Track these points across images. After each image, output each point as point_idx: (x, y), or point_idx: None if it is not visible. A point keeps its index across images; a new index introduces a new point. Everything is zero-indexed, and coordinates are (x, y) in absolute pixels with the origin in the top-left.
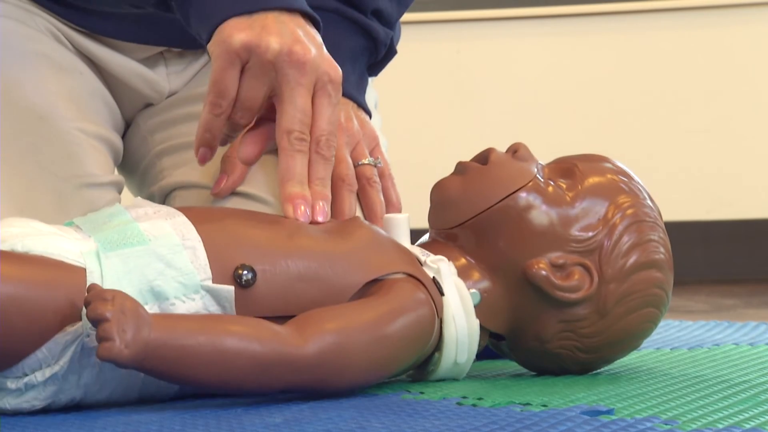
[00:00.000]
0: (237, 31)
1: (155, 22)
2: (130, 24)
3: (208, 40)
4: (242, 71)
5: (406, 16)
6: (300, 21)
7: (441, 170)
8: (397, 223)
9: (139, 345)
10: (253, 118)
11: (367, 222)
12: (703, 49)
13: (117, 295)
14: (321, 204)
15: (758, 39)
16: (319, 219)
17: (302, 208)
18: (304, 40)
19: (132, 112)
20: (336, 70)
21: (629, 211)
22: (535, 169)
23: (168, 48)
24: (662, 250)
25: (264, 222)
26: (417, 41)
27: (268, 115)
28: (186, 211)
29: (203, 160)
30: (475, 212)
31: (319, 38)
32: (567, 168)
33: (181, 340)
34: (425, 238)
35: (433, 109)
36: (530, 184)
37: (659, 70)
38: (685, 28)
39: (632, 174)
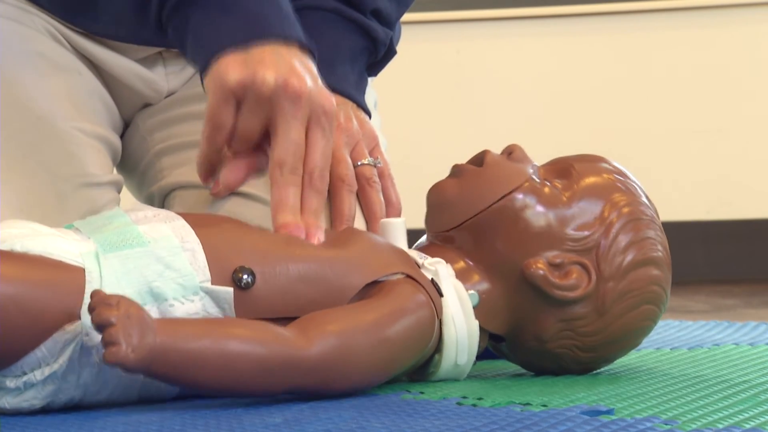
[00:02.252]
0: (232, 68)
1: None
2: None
3: (203, 72)
4: (239, 104)
5: (406, 16)
6: (296, 52)
7: (440, 170)
8: (394, 227)
9: (145, 349)
10: (250, 147)
11: (362, 230)
12: (703, 50)
13: (122, 300)
14: (315, 232)
15: (758, 39)
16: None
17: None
18: (300, 72)
19: (131, 112)
20: (330, 102)
21: (625, 210)
22: (531, 170)
23: (166, 48)
24: (659, 247)
25: (262, 229)
26: (417, 41)
27: (259, 143)
28: (185, 215)
29: (206, 182)
30: (472, 214)
31: (314, 69)
32: (563, 168)
33: (185, 344)
34: (422, 241)
35: (433, 110)
36: (526, 184)
37: (659, 70)
38: (684, 28)
39: (628, 173)
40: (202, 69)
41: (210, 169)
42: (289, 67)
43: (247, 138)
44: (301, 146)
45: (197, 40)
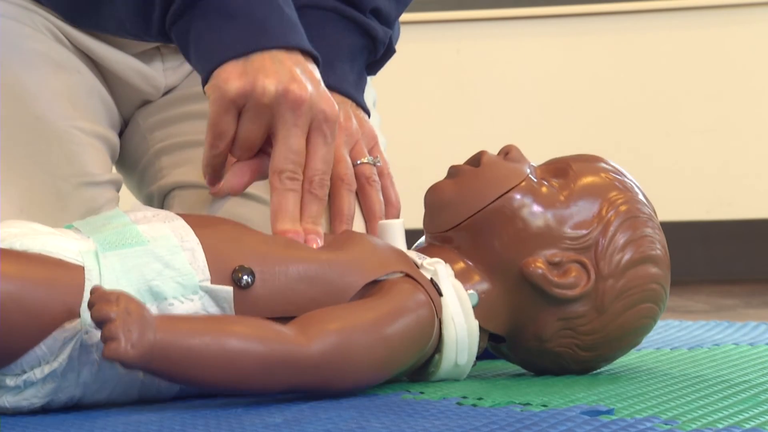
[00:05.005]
0: (233, 78)
1: None
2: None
3: (206, 82)
4: (240, 112)
5: (407, 16)
6: (298, 58)
7: (440, 170)
8: (392, 228)
9: (145, 345)
10: (253, 154)
11: (360, 232)
12: (702, 50)
13: (122, 296)
14: (313, 238)
15: (758, 39)
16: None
17: None
18: (301, 79)
19: (130, 110)
20: (332, 108)
21: (623, 208)
22: (528, 170)
23: (164, 44)
24: (658, 245)
25: (261, 231)
26: (417, 41)
27: (262, 147)
28: (184, 216)
29: (212, 185)
30: (469, 214)
31: (317, 74)
32: (560, 168)
33: (185, 340)
34: (421, 242)
35: (433, 109)
36: (523, 183)
37: (659, 70)
38: (684, 28)
39: (625, 172)
40: (204, 80)
41: (214, 174)
42: (289, 75)
43: (249, 145)
44: (301, 154)
45: (199, 49)
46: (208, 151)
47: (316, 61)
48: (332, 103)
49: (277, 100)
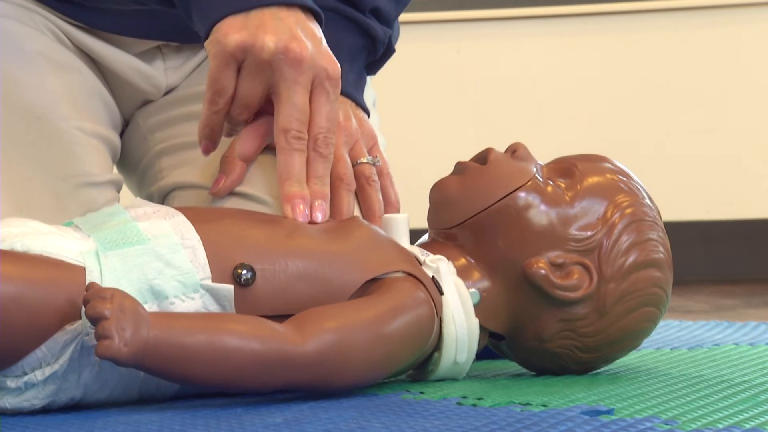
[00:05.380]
0: (233, 31)
1: (153, 15)
2: (128, 18)
3: (206, 38)
4: (240, 69)
5: (407, 16)
6: (299, 16)
7: (440, 170)
8: (397, 223)
9: (138, 343)
10: (251, 114)
11: (366, 222)
12: (702, 50)
13: (116, 293)
14: (320, 203)
15: (758, 39)
16: (318, 217)
17: (301, 207)
18: (300, 37)
19: (131, 110)
20: (334, 66)
21: (628, 210)
22: (534, 169)
23: (166, 42)
24: (661, 249)
25: (263, 222)
26: (417, 41)
27: (266, 110)
28: (185, 210)
29: (206, 152)
30: (474, 212)
31: (319, 32)
32: (566, 168)
33: (180, 338)
34: (425, 238)
35: (433, 109)
36: (529, 183)
37: (659, 70)
38: (684, 28)
39: (631, 174)
40: (205, 36)
41: (210, 134)
42: (289, 32)
43: (248, 103)
44: (305, 112)
45: (200, 7)
46: (207, 109)
47: (318, 17)
48: (333, 60)
49: (276, 58)
